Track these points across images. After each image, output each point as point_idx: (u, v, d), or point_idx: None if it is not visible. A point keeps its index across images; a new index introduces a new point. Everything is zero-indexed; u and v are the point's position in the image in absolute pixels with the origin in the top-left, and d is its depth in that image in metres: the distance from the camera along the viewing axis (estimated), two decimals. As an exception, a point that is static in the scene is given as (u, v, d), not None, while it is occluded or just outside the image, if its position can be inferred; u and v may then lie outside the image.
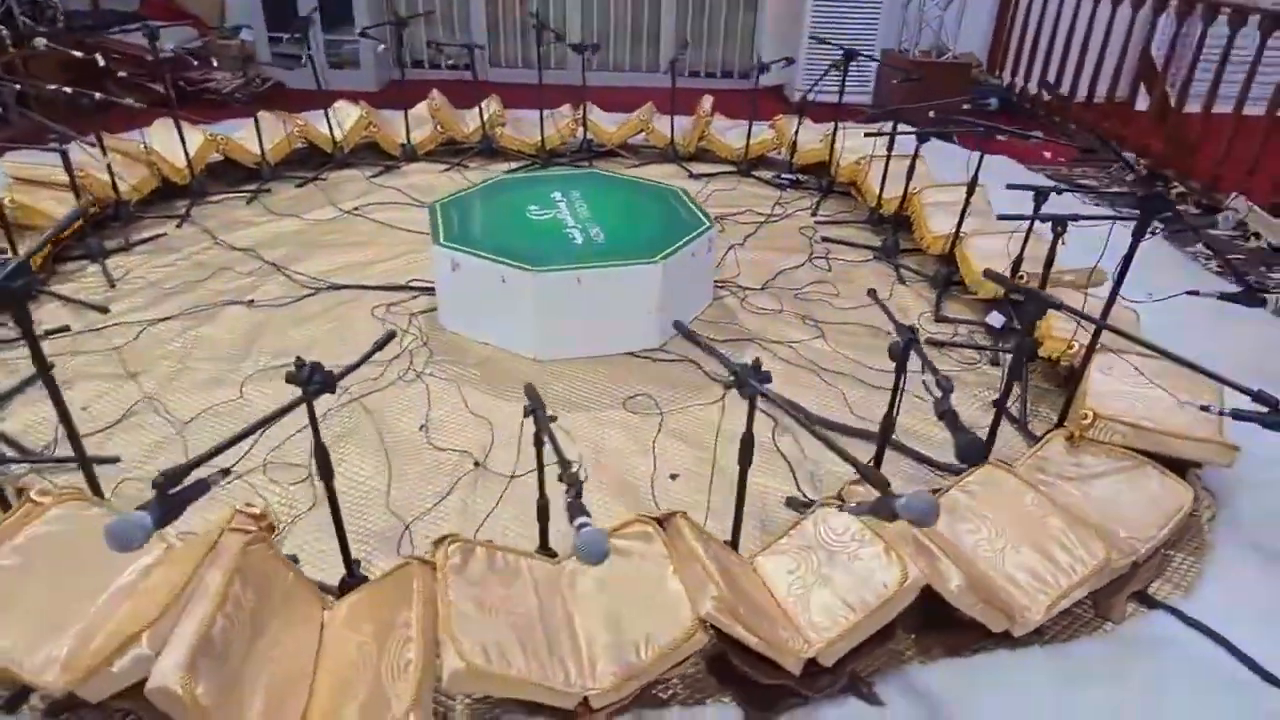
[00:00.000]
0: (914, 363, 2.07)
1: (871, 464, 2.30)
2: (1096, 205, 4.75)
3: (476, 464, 2.63)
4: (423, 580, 1.83)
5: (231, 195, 4.51)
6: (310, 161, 4.93)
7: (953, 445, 1.75)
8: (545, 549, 2.19)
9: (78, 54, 4.05)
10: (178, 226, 4.13)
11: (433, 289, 3.48)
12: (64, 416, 1.97)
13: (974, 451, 1.69)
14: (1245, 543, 2.40)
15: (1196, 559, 2.34)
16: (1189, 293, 2.44)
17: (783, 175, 4.99)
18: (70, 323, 3.23)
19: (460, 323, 3.33)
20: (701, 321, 3.46)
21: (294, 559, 2.17)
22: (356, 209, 4.41)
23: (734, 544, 2.19)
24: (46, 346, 1.97)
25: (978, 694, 1.93)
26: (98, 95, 3.65)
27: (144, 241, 3.95)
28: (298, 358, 1.75)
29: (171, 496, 1.32)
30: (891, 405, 2.17)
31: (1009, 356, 3.22)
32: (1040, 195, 3.01)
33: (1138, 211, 2.35)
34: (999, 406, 2.48)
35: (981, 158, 3.59)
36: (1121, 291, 2.52)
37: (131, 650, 1.53)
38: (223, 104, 5.90)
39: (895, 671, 1.99)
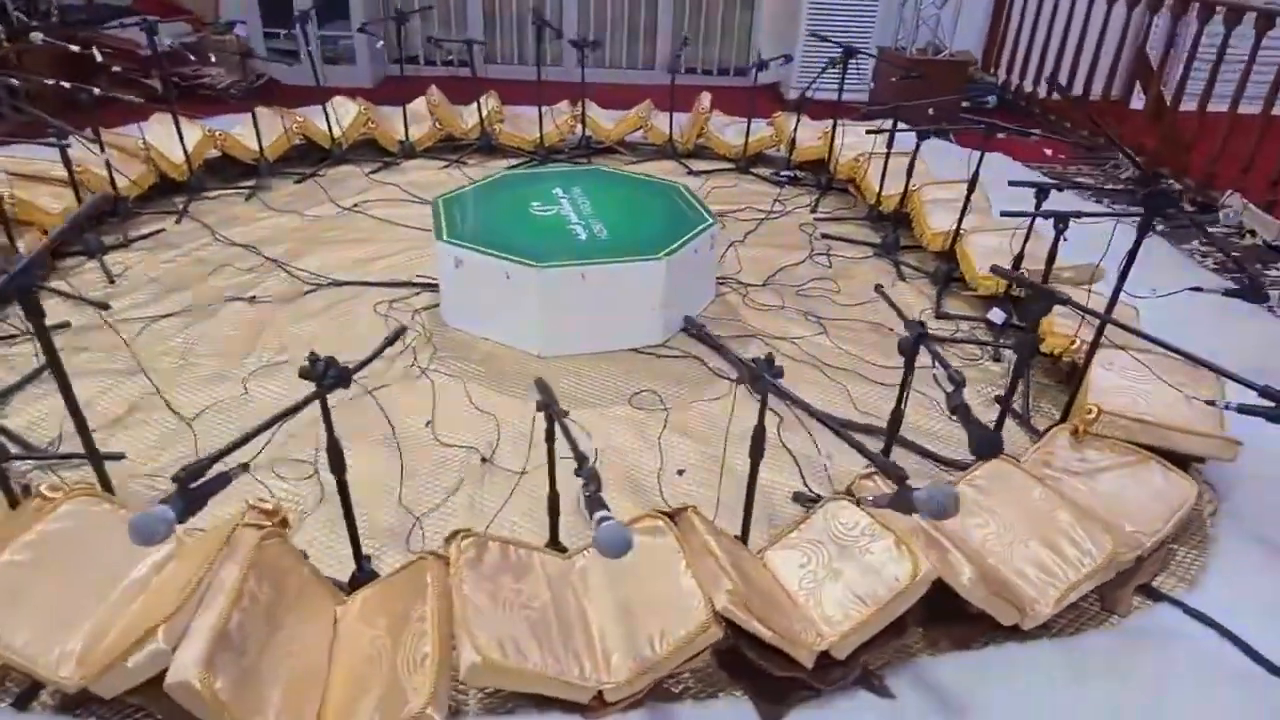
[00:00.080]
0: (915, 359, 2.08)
1: (879, 459, 2.31)
2: (1097, 203, 4.78)
3: (483, 460, 2.63)
4: (436, 575, 1.83)
5: (230, 191, 4.49)
6: (308, 158, 4.91)
7: (966, 439, 1.76)
8: (555, 544, 2.19)
9: (74, 48, 4.02)
10: (176, 222, 4.11)
11: (435, 285, 3.48)
12: (74, 411, 1.96)
13: (989, 445, 1.70)
14: (1247, 536, 2.43)
15: (1200, 553, 2.37)
16: (1192, 289, 2.46)
17: (781, 172, 5.00)
18: (70, 319, 3.21)
19: (463, 319, 3.33)
20: (704, 318, 3.46)
21: (303, 555, 2.16)
22: (356, 205, 4.40)
23: (744, 538, 2.20)
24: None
25: (988, 687, 1.94)
26: (96, 90, 3.63)
27: (143, 238, 3.92)
28: (312, 352, 1.74)
29: (193, 490, 1.32)
30: (900, 400, 2.18)
31: (1010, 352, 3.26)
32: (1041, 192, 3.04)
33: (1140, 208, 2.37)
34: (1004, 402, 2.50)
35: (982, 155, 3.61)
36: (1124, 288, 2.54)
37: (148, 645, 1.53)
38: (217, 99, 5.87)
39: (905, 664, 2.00)
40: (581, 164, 4.89)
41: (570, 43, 5.13)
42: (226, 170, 4.69)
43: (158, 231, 4.00)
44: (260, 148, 4.59)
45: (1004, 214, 2.97)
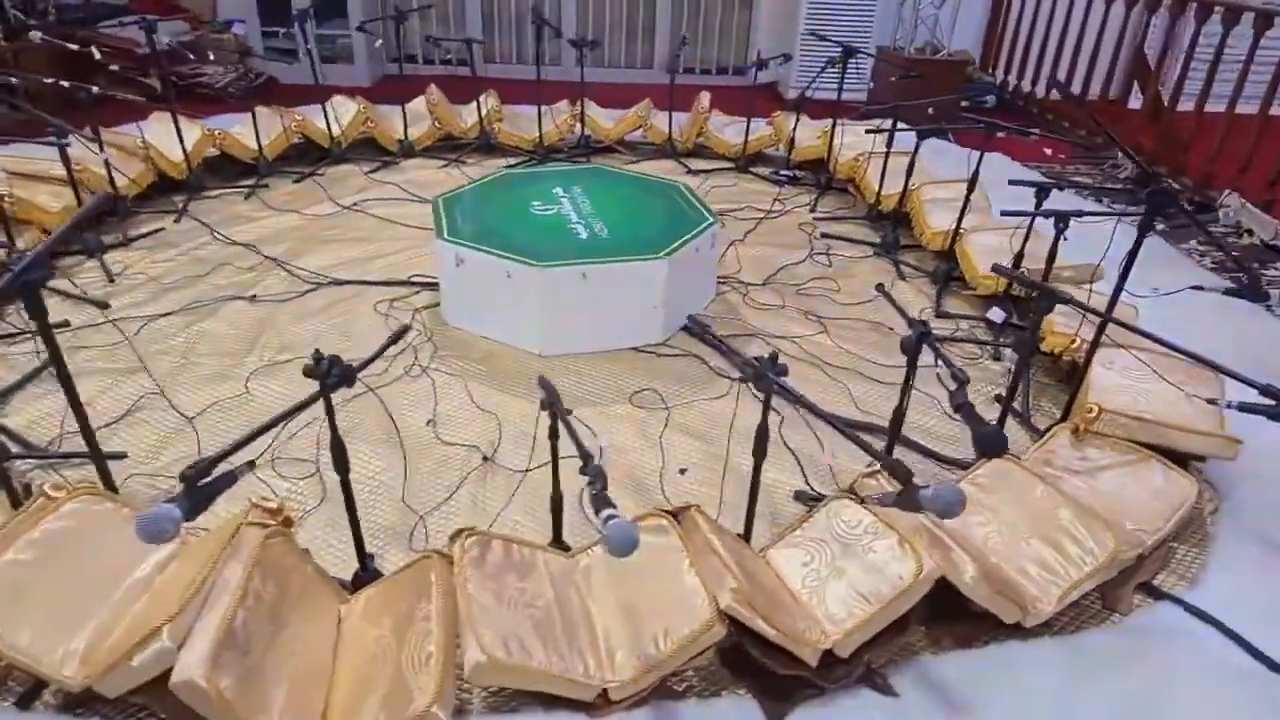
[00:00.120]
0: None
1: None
2: (1097, 202, 4.79)
3: (485, 459, 2.63)
4: (441, 573, 1.83)
5: (229, 190, 4.48)
6: (306, 157, 4.91)
7: (965, 437, 1.77)
8: (559, 543, 2.19)
9: (73, 47, 4.01)
10: (175, 221, 4.10)
11: (435, 284, 3.48)
12: (78, 410, 1.96)
13: (994, 443, 1.70)
14: (1246, 535, 2.43)
15: (1200, 551, 2.37)
16: (1194, 288, 2.47)
17: (780, 171, 5.00)
18: (69, 318, 3.20)
19: (464, 318, 3.32)
20: (705, 317, 3.46)
21: (306, 553, 2.16)
22: (356, 204, 4.39)
23: (746, 537, 2.20)
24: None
25: (991, 685, 1.95)
26: (95, 89, 3.62)
27: (142, 237, 3.92)
28: (316, 351, 1.74)
29: (201, 489, 1.32)
30: (902, 399, 2.18)
31: (1010, 351, 3.27)
32: (1041, 192, 3.05)
33: (1142, 206, 2.38)
34: (1005, 401, 2.50)
35: (981, 155, 3.62)
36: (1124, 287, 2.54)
37: (153, 644, 1.53)
38: (215, 98, 5.86)
39: (908, 663, 2.00)
40: (581, 163, 4.89)
41: (569, 42, 5.13)
42: (225, 169, 4.68)
43: (157, 230, 4.00)
44: (259, 147, 4.59)
45: (1005, 213, 2.98)
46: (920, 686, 1.95)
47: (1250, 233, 4.37)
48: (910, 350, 2.06)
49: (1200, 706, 1.94)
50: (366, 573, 2.07)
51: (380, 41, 5.60)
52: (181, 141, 4.30)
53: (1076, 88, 5.99)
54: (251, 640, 1.60)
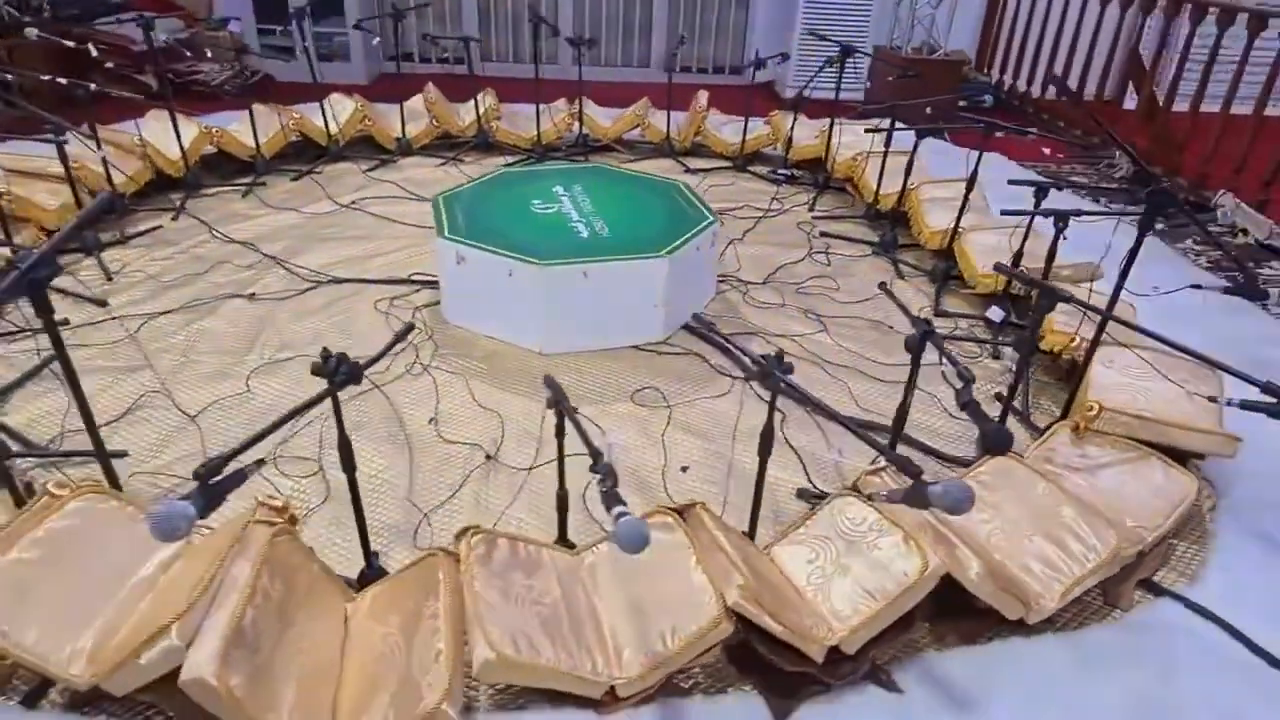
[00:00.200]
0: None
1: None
2: (1094, 202, 4.81)
3: (488, 457, 2.63)
4: (447, 571, 1.83)
5: (227, 188, 4.47)
6: (304, 155, 4.89)
7: (966, 435, 1.78)
8: (564, 541, 2.19)
9: (70, 44, 3.99)
10: (173, 219, 4.08)
11: (434, 282, 3.47)
12: (84, 408, 1.95)
13: (1001, 440, 1.71)
14: (1245, 531, 2.45)
15: (1200, 548, 2.39)
16: (1193, 286, 2.48)
17: (778, 170, 5.01)
18: (69, 316, 3.19)
19: (465, 316, 3.32)
20: (706, 315, 3.47)
21: (312, 551, 2.16)
22: (354, 203, 4.38)
23: (750, 534, 2.21)
24: (46, 341, 1.94)
25: (995, 681, 1.96)
26: (92, 86, 3.60)
27: (140, 234, 3.90)
28: (324, 349, 1.74)
29: (213, 486, 1.32)
30: (906, 396, 2.19)
31: (1009, 350, 3.28)
32: (1040, 191, 3.06)
33: (1141, 206, 2.39)
34: (1006, 400, 2.51)
35: (980, 154, 3.64)
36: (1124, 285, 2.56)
37: (161, 642, 1.53)
38: (211, 96, 5.84)
39: (913, 659, 2.01)
40: (579, 162, 4.89)
41: (567, 40, 5.12)
42: (223, 167, 4.66)
43: (155, 228, 3.98)
44: (257, 144, 4.57)
45: (1005, 212, 2.99)
46: (925, 682, 1.96)
47: (1245, 232, 4.40)
48: (914, 348, 2.07)
49: (1200, 701, 1.95)
50: (372, 570, 2.07)
51: (377, 39, 5.59)
52: (179, 139, 4.28)
53: (1071, 87, 6.01)
54: (260, 638, 1.61)
